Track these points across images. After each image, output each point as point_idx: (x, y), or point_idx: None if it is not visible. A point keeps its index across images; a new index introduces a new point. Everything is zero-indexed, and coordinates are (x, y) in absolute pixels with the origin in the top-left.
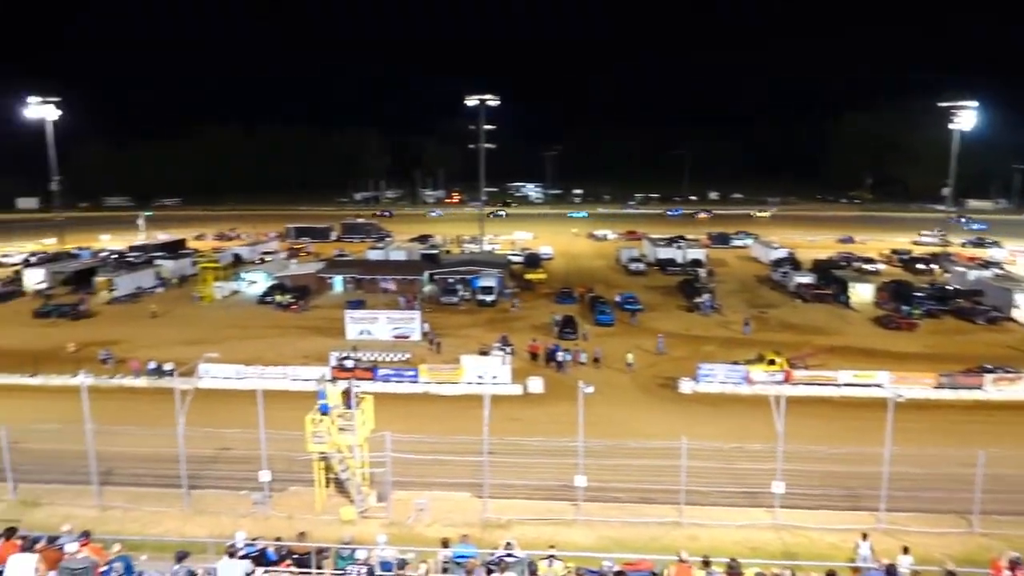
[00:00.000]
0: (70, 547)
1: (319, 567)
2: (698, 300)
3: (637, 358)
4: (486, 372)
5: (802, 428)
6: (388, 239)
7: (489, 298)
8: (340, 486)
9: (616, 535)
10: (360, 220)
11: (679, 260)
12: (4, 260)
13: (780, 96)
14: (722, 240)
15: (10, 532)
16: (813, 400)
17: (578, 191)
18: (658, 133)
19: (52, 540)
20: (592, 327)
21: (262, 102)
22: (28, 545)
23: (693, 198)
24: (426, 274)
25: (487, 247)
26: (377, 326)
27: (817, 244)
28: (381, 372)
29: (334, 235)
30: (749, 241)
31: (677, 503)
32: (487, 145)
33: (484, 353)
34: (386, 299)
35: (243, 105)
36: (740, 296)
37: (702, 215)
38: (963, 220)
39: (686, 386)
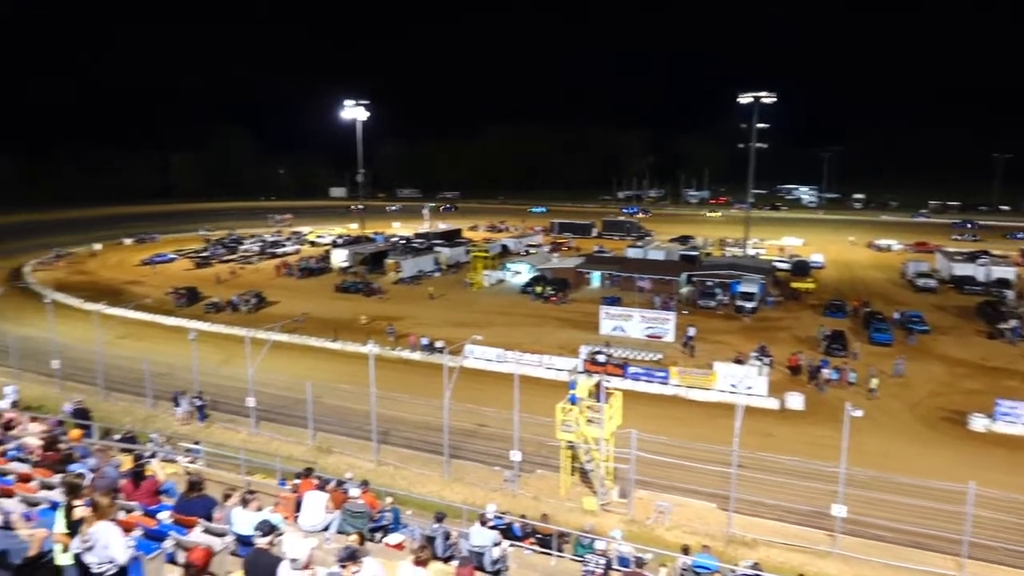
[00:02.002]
0: (353, 492)
1: (559, 550)
2: (1003, 326)
3: (880, 383)
4: (741, 381)
5: None
6: (648, 238)
7: (749, 305)
8: (584, 476)
9: None
10: (621, 218)
11: (980, 278)
12: (318, 240)
13: None
14: None
15: (308, 471)
16: None
17: (859, 196)
18: (970, 133)
19: (339, 484)
20: (865, 345)
21: (534, 102)
22: (321, 484)
23: (1005, 208)
24: (684, 275)
25: (751, 251)
26: (631, 324)
27: None
28: (631, 370)
29: (595, 231)
30: None
31: (957, 555)
32: (758, 144)
33: (740, 361)
34: (641, 298)
35: (519, 106)
36: None
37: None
38: None
39: (978, 423)
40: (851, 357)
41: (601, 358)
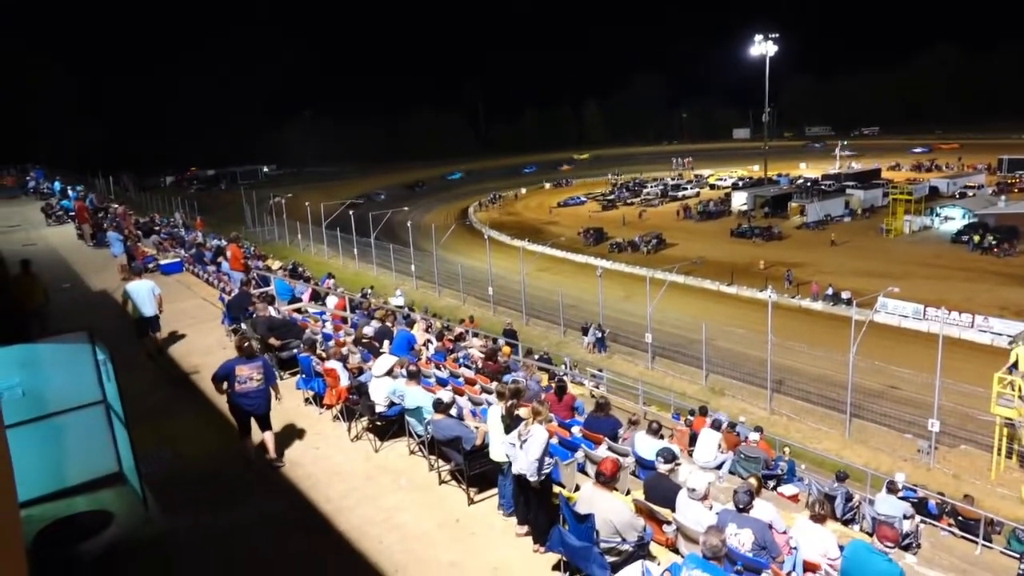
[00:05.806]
0: (751, 436)
1: (987, 539)
2: None
3: None
4: None
5: None
6: None
7: None
8: None
9: None
10: None
11: None
12: (718, 183)
13: None
14: None
15: (703, 410)
16: None
17: None
18: None
19: (732, 426)
20: None
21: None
22: (715, 424)
23: None
24: None
25: None
26: None
27: None
28: None
29: None
30: None
31: None
32: None
33: None
34: None
35: (964, 22)
36: None
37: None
38: None
39: None
40: None
41: None
